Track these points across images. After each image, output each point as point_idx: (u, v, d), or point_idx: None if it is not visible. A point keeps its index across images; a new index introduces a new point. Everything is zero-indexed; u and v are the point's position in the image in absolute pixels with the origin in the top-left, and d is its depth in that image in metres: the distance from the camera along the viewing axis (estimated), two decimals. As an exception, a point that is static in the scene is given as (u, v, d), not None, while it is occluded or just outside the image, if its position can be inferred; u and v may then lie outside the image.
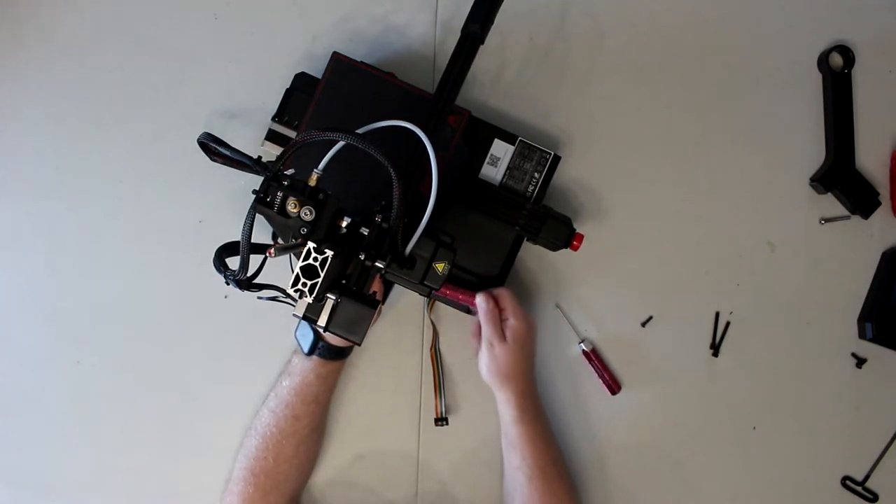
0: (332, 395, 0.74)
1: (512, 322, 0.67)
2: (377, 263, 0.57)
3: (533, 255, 0.77)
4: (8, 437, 0.78)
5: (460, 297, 0.70)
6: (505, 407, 0.69)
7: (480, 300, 0.69)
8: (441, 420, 0.76)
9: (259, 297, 0.58)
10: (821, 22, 0.80)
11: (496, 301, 0.69)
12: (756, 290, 0.78)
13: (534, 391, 0.70)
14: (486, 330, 0.68)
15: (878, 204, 0.78)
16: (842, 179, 0.77)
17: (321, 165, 0.55)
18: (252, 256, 0.53)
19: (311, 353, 0.70)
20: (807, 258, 0.79)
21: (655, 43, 0.80)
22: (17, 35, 0.79)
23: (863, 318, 0.78)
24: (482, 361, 0.68)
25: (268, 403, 0.72)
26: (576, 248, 0.71)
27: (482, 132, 0.74)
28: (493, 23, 0.65)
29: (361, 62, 0.73)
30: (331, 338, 0.69)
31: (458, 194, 0.71)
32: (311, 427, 0.71)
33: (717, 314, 0.78)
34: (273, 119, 0.72)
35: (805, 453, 0.78)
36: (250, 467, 0.70)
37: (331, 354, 0.70)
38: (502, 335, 0.67)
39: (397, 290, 0.77)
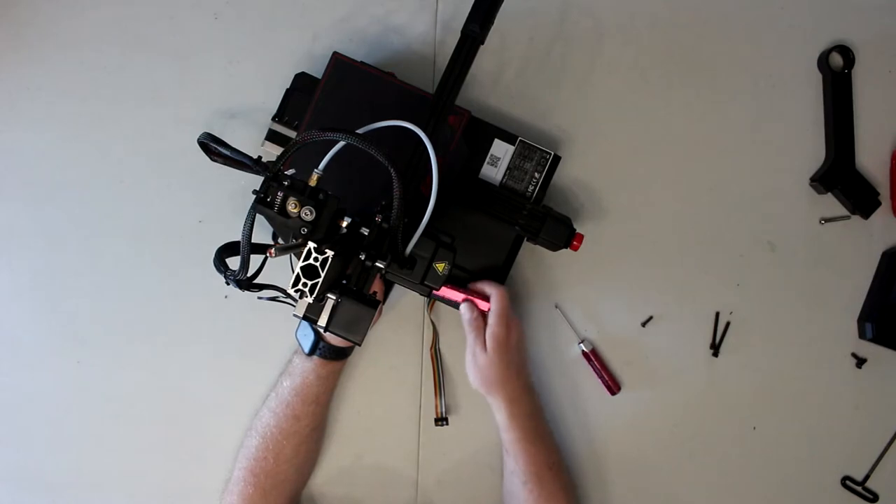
0: (333, 395, 0.74)
1: (492, 328, 0.67)
2: (377, 263, 0.57)
3: (533, 255, 0.77)
4: (8, 437, 0.78)
5: (457, 298, 0.70)
6: (496, 413, 0.69)
7: (464, 310, 0.69)
8: (441, 420, 0.76)
9: (259, 297, 0.58)
10: (821, 22, 0.80)
11: (480, 308, 0.69)
12: (756, 290, 0.78)
13: (524, 396, 0.69)
14: (469, 339, 0.68)
15: (878, 204, 0.78)
16: (842, 179, 0.77)
17: (321, 165, 0.55)
18: (252, 256, 0.53)
19: (311, 353, 0.70)
20: (807, 258, 0.79)
21: (655, 43, 0.80)
22: (17, 35, 0.79)
23: (863, 318, 0.78)
24: (468, 370, 0.69)
25: (268, 403, 0.72)
26: (576, 248, 0.71)
27: (482, 132, 0.74)
28: (493, 23, 0.65)
29: (361, 62, 0.73)
30: (331, 338, 0.69)
31: (458, 194, 0.71)
32: (311, 427, 0.71)
33: (717, 314, 0.78)
34: (273, 119, 0.72)
35: (805, 453, 0.78)
36: (250, 467, 0.70)
37: (332, 354, 0.70)
38: (484, 344, 0.67)
39: (397, 290, 0.77)
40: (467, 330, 0.68)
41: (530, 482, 0.68)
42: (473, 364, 0.68)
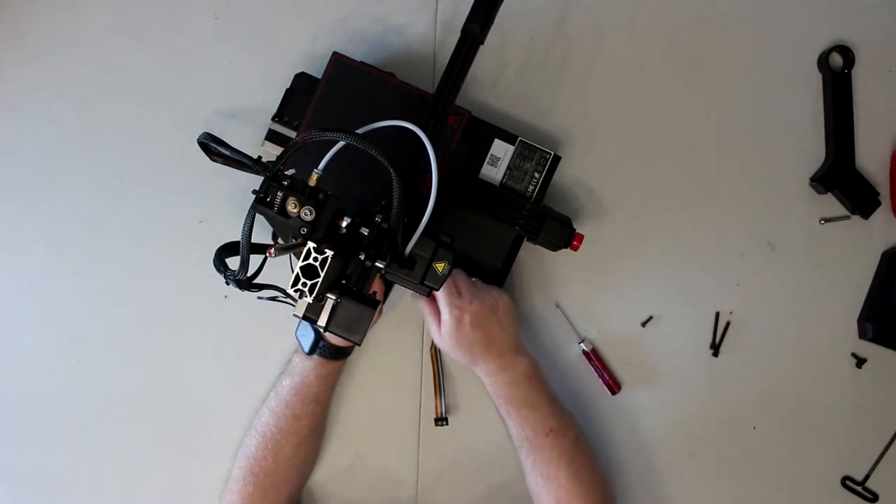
0: (333, 394, 0.74)
1: (442, 317, 0.67)
2: (377, 263, 0.57)
3: (533, 255, 0.77)
4: (8, 437, 0.78)
5: None
6: (484, 383, 0.70)
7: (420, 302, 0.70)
8: (441, 420, 0.76)
9: (259, 297, 0.58)
10: (821, 22, 0.80)
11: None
12: (756, 290, 0.78)
13: (504, 371, 0.68)
14: (427, 325, 0.71)
15: (878, 204, 0.78)
16: (842, 179, 0.77)
17: (321, 165, 0.55)
18: (252, 256, 0.53)
19: (311, 352, 0.70)
20: (807, 258, 0.79)
21: (655, 43, 0.80)
22: (17, 35, 0.79)
23: (863, 318, 0.78)
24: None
25: (268, 403, 0.72)
26: (576, 248, 0.71)
27: (482, 132, 0.74)
28: (493, 23, 0.65)
29: (361, 62, 0.73)
30: (331, 337, 0.69)
31: (458, 194, 0.71)
32: (310, 427, 0.71)
33: (717, 314, 0.78)
34: (273, 119, 0.72)
35: (805, 453, 0.78)
36: (250, 466, 0.70)
37: (332, 354, 0.70)
38: (438, 328, 0.68)
39: (397, 290, 0.77)
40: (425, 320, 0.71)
41: (524, 447, 0.69)
42: (441, 343, 0.69)
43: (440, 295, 0.67)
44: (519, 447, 0.70)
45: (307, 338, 0.70)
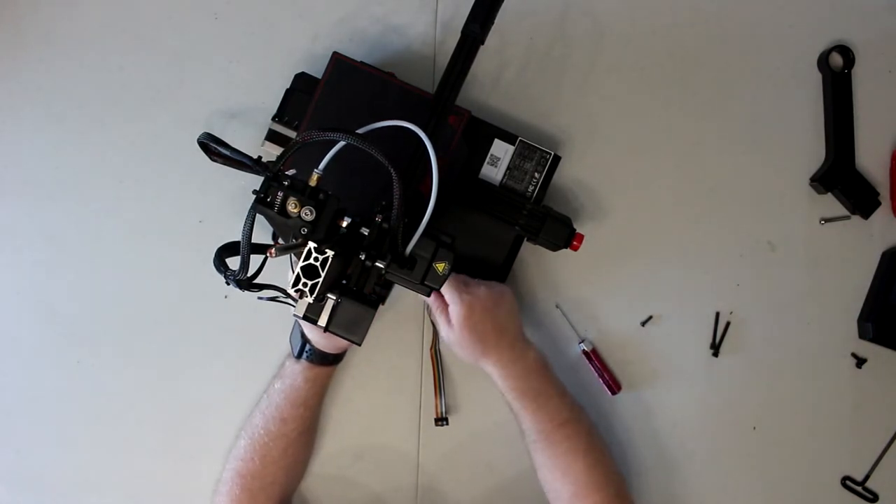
0: (323, 399, 0.74)
1: (451, 307, 0.66)
2: (377, 263, 0.57)
3: (533, 255, 0.77)
4: (8, 437, 0.78)
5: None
6: (493, 380, 0.69)
7: (430, 301, 0.69)
8: (441, 420, 0.76)
9: (259, 298, 0.58)
10: (821, 22, 0.80)
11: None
12: (756, 290, 0.78)
13: (515, 361, 0.68)
14: (437, 323, 0.69)
15: (878, 204, 0.78)
16: (842, 179, 0.77)
17: (321, 165, 0.55)
18: (252, 256, 0.53)
19: (299, 356, 0.70)
20: (807, 258, 0.79)
21: (655, 43, 0.80)
22: (17, 35, 0.79)
23: (863, 318, 0.78)
24: (450, 347, 0.69)
25: (259, 405, 0.72)
26: (576, 248, 0.71)
27: (482, 132, 0.74)
28: (493, 23, 0.65)
29: (361, 62, 0.73)
30: (317, 343, 0.68)
31: (458, 194, 0.71)
32: (299, 430, 0.71)
33: (717, 314, 0.78)
34: (273, 119, 0.72)
35: (805, 453, 0.78)
36: (238, 468, 0.70)
37: (318, 359, 0.69)
38: (448, 321, 0.67)
39: (397, 290, 0.77)
40: (434, 316, 0.69)
41: (538, 441, 0.68)
42: (448, 339, 0.68)
43: (447, 287, 0.66)
44: (533, 441, 0.68)
45: (297, 341, 0.70)
